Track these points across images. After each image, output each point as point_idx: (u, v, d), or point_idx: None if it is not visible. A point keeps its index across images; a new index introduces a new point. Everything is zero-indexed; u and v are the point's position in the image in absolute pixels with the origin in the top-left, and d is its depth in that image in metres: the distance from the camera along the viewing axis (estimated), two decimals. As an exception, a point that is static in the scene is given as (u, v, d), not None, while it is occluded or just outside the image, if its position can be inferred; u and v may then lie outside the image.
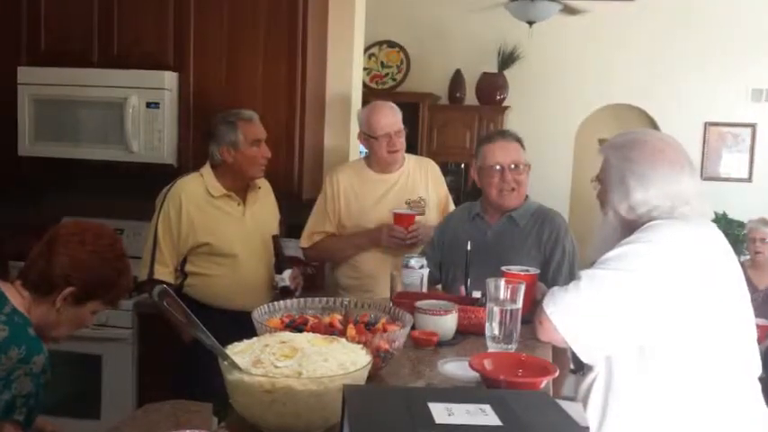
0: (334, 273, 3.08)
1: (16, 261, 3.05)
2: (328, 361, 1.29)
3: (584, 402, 1.66)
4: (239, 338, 1.38)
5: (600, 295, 1.55)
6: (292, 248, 3.19)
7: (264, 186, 2.92)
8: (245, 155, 2.73)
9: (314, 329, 1.58)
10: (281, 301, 1.74)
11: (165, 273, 2.70)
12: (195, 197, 2.73)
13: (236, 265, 2.75)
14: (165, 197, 2.73)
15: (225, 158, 2.74)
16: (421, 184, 2.96)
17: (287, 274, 2.71)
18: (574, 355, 1.63)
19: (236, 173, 2.76)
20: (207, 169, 2.79)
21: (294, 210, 3.20)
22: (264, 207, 2.90)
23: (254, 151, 2.74)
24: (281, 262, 2.75)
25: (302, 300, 1.77)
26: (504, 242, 2.47)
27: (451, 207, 3.01)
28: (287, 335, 1.42)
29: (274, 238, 2.80)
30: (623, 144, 1.72)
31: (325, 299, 1.79)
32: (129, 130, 3.23)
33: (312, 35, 3.29)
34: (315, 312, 1.74)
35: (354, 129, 3.38)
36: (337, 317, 1.70)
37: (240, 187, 2.81)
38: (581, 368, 1.73)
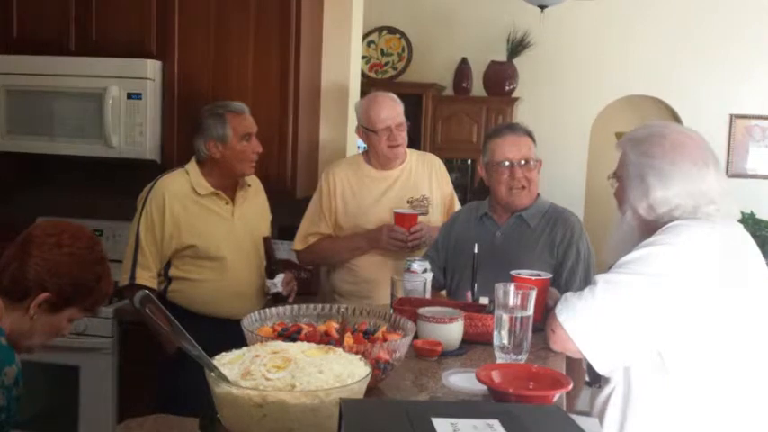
0: (330, 277, 3.09)
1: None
2: (324, 373, 1.29)
3: (601, 417, 1.66)
4: (227, 348, 1.38)
5: (617, 301, 1.55)
6: (285, 251, 3.20)
7: (255, 184, 2.92)
8: (235, 150, 2.73)
9: (308, 338, 1.58)
10: (273, 308, 1.74)
11: (147, 277, 2.71)
12: (180, 196, 2.73)
13: (224, 269, 2.75)
14: (148, 196, 2.73)
15: (212, 154, 2.74)
16: (424, 181, 2.96)
17: (279, 278, 2.71)
18: (589, 366, 1.63)
19: (225, 169, 2.76)
20: (192, 166, 2.79)
21: (287, 209, 3.21)
22: (255, 207, 2.90)
23: (244, 146, 2.74)
24: (272, 265, 2.75)
25: (296, 306, 1.77)
26: (514, 244, 2.47)
27: (457, 206, 3.01)
28: (279, 344, 1.42)
29: (265, 239, 2.80)
30: (643, 138, 1.72)
31: (320, 305, 1.79)
32: (109, 123, 3.23)
33: (306, 20, 3.29)
34: (309, 320, 1.74)
35: (352, 122, 3.39)
36: (334, 325, 1.71)
37: (229, 185, 2.81)
38: (597, 380, 1.73)
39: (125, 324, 3.14)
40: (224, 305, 2.68)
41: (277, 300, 2.67)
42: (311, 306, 1.78)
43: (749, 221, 5.38)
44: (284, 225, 3.27)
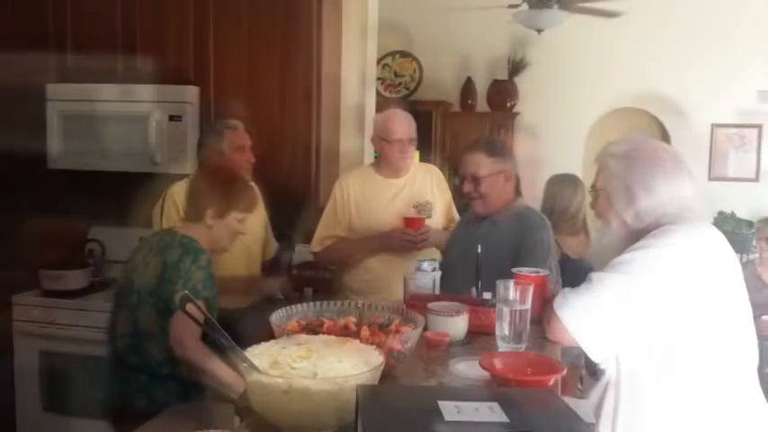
0: (343, 276, 3.07)
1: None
2: (342, 362, 1.30)
3: (605, 419, 1.63)
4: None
5: (612, 297, 1.54)
6: (284, 253, 3.15)
7: (254, 188, 2.88)
8: (231, 160, 2.77)
9: (329, 332, 1.60)
10: (298, 305, 1.75)
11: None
12: (181, 203, 2.64)
13: (223, 268, 2.63)
14: (161, 208, 2.75)
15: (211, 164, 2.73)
16: (427, 188, 2.99)
17: (274, 280, 2.71)
18: (587, 360, 1.62)
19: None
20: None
21: (284, 210, 3.14)
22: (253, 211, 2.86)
23: (239, 157, 2.80)
24: (269, 267, 2.72)
25: (318, 303, 1.78)
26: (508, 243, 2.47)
27: (455, 211, 3.05)
28: (303, 337, 1.44)
29: (262, 241, 2.77)
30: (625, 152, 1.71)
31: (339, 302, 1.80)
32: (154, 142, 3.25)
33: (326, 53, 3.31)
34: (330, 315, 1.75)
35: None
36: (352, 319, 1.72)
37: None
38: (595, 374, 1.70)
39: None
40: (221, 301, 2.62)
41: (271, 301, 2.65)
42: (332, 303, 1.79)
43: (730, 220, 5.33)
44: (282, 226, 3.21)
